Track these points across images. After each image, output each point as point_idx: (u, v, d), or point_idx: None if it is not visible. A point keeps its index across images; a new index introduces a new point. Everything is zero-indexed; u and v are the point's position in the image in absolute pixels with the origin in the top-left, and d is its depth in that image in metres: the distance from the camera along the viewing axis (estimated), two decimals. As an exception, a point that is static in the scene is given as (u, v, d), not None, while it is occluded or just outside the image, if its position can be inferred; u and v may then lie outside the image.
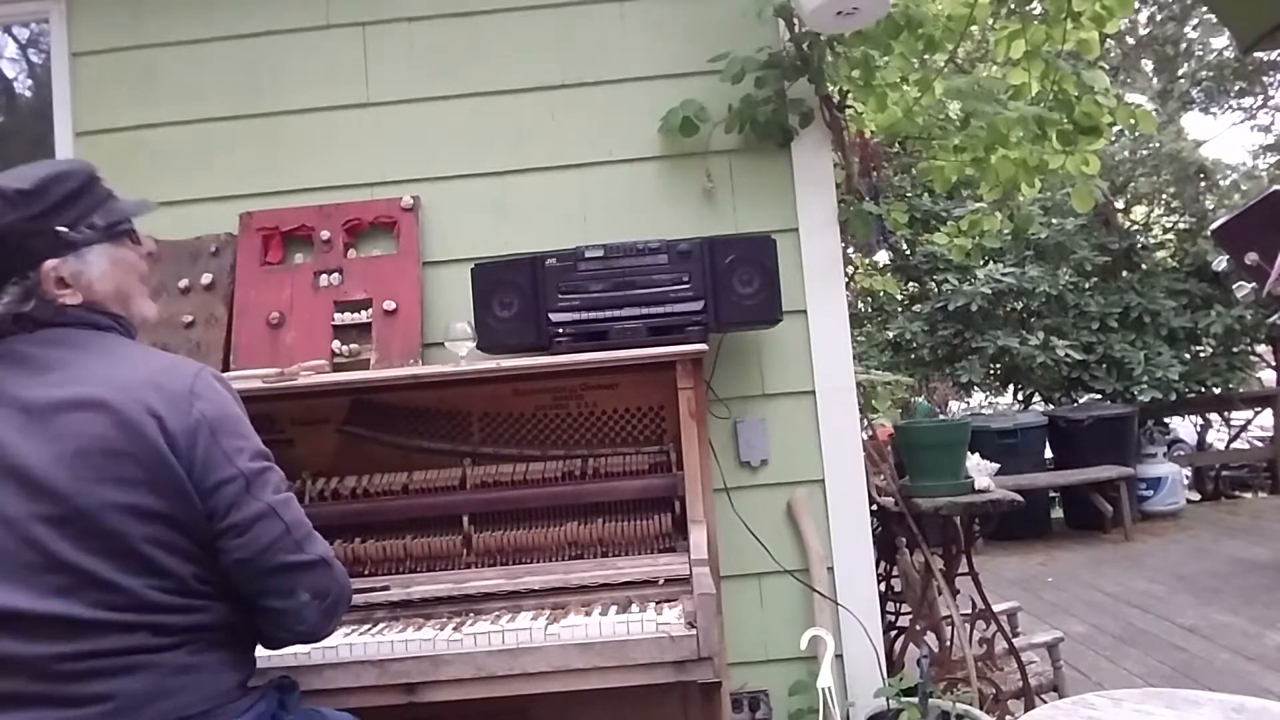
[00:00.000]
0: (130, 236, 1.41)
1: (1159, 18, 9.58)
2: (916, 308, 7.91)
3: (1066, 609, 4.63)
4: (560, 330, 2.22)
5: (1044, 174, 2.90)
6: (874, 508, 2.59)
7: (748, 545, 2.42)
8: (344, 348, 2.42)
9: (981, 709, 2.32)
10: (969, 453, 2.65)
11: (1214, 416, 8.56)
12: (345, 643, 1.76)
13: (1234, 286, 1.26)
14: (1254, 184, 9.14)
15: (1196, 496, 7.92)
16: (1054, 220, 7.68)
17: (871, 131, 3.20)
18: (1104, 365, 7.28)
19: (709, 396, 2.35)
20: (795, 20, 2.43)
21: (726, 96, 2.47)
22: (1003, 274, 7.29)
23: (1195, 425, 8.67)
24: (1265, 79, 9.78)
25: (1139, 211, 9.36)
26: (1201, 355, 7.61)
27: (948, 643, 2.64)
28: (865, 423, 2.83)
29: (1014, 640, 2.85)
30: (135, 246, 1.42)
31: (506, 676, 1.72)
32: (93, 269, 1.32)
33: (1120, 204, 8.74)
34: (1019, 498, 2.58)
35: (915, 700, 2.17)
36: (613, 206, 2.54)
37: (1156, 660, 3.75)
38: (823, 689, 2.08)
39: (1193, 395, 7.52)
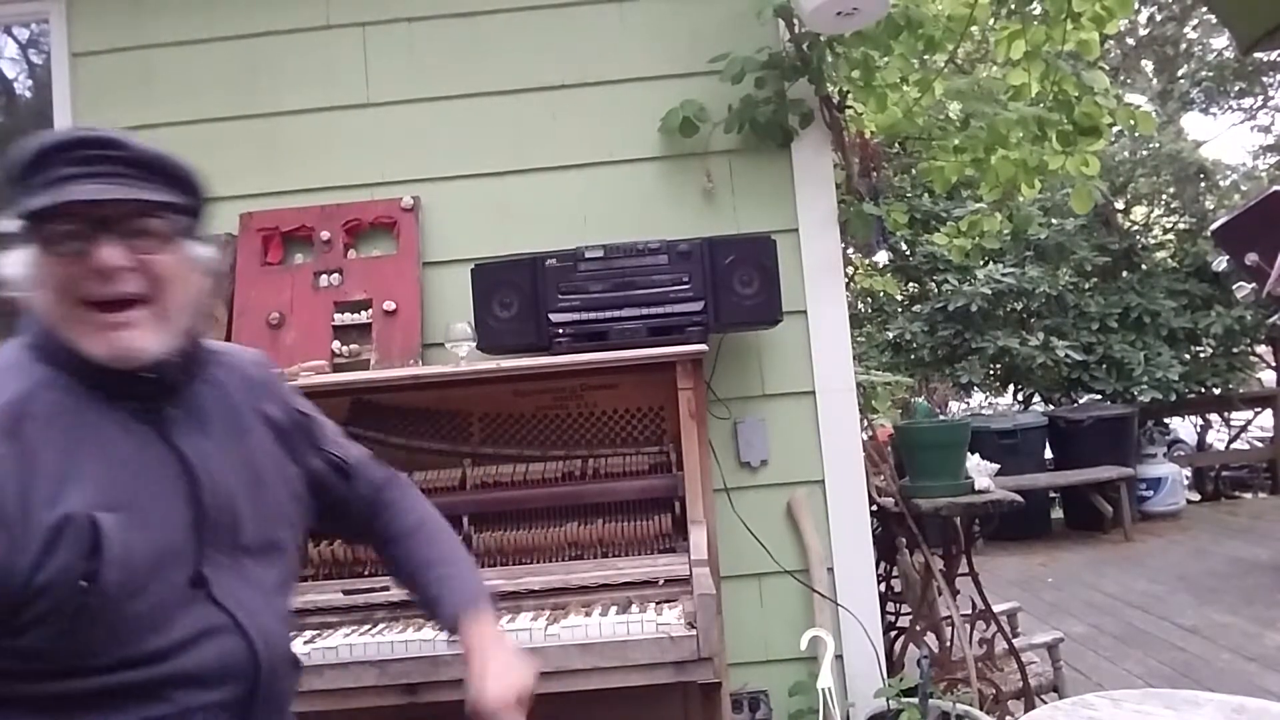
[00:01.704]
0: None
1: (1159, 18, 9.58)
2: (916, 308, 7.90)
3: (1066, 609, 4.63)
4: (560, 330, 2.22)
5: (1044, 175, 2.90)
6: (874, 508, 2.59)
7: (748, 545, 2.42)
8: (344, 348, 2.42)
9: (981, 709, 2.32)
10: (969, 453, 2.65)
11: (1214, 417, 8.55)
12: (345, 643, 1.76)
13: (1234, 287, 1.26)
14: (1254, 184, 9.14)
15: (1196, 497, 7.92)
16: (1054, 220, 7.68)
17: (871, 131, 3.21)
18: (1104, 365, 7.27)
19: (709, 396, 2.35)
20: (795, 20, 2.43)
21: (726, 96, 2.47)
22: (1003, 274, 7.29)
23: (1195, 425, 8.67)
24: (1265, 79, 9.78)
25: (1139, 212, 9.36)
26: (1201, 356, 7.61)
27: (948, 643, 2.64)
28: (865, 423, 2.83)
29: (1014, 640, 2.85)
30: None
31: (506, 677, 1.72)
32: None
33: (1120, 204, 8.74)
34: (1019, 498, 2.58)
35: (915, 700, 2.17)
36: (613, 207, 2.54)
37: (1156, 660, 3.74)
38: (823, 689, 2.08)
39: (1193, 395, 7.51)
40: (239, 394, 1.16)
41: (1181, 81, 9.68)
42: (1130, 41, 9.63)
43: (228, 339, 2.44)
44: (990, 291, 7.22)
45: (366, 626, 1.87)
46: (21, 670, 0.94)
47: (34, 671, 0.94)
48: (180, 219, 1.03)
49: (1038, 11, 2.75)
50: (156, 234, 1.01)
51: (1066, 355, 7.08)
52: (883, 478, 2.74)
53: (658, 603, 1.89)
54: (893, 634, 2.84)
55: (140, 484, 1.00)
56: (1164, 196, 9.10)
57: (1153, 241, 8.53)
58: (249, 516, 1.09)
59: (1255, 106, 10.19)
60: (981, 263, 7.08)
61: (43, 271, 0.98)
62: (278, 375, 1.28)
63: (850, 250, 4.66)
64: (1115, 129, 3.85)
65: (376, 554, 1.40)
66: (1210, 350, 7.59)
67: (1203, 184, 8.75)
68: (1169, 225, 9.01)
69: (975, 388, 8.32)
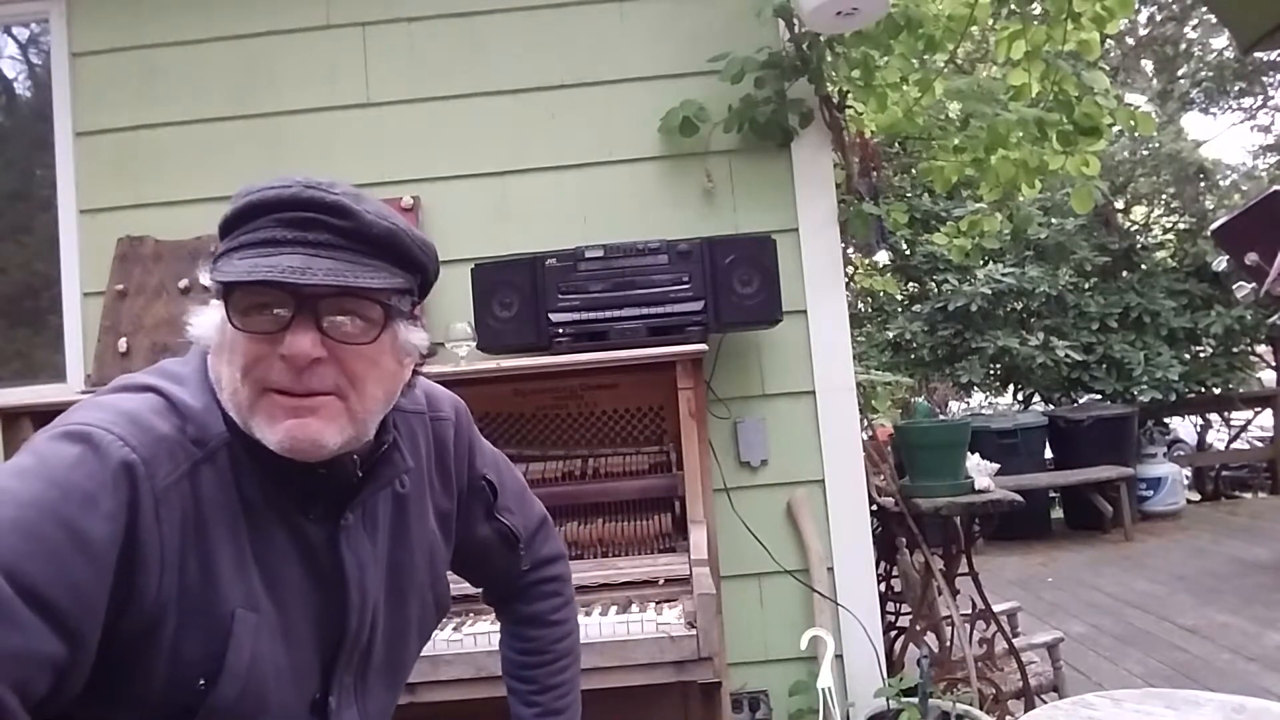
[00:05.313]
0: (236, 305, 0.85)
1: (1159, 18, 9.58)
2: (916, 308, 7.90)
3: (1066, 609, 4.63)
4: (560, 330, 2.22)
5: (1044, 175, 2.90)
6: (874, 508, 2.59)
7: (748, 545, 2.42)
8: (344, 348, 2.40)
9: (981, 709, 2.32)
10: (969, 453, 2.65)
11: (1214, 416, 8.55)
12: (345, 643, 1.75)
13: (1234, 286, 1.26)
14: (1254, 184, 9.14)
15: (1196, 496, 7.91)
16: (1054, 220, 7.68)
17: (871, 131, 3.21)
18: (1104, 365, 7.27)
19: (709, 396, 2.35)
20: (795, 20, 2.43)
21: (726, 96, 2.47)
22: (1003, 274, 7.29)
23: (1195, 425, 8.66)
24: (1265, 79, 9.77)
25: (1139, 211, 9.36)
26: (1201, 355, 7.61)
27: (948, 643, 2.64)
28: (865, 423, 2.83)
29: (1014, 640, 2.85)
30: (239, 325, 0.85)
31: (506, 676, 1.72)
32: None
33: (1120, 204, 8.73)
34: (1019, 498, 2.58)
35: (915, 700, 2.17)
36: (613, 206, 2.54)
37: (1156, 660, 3.74)
38: (823, 689, 2.07)
39: (1193, 395, 7.51)
40: (416, 467, 1.03)
41: (1181, 81, 9.67)
42: (1130, 41, 9.63)
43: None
44: (990, 291, 7.22)
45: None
46: None
47: None
48: (398, 301, 0.88)
49: (1038, 11, 2.75)
50: (366, 319, 0.86)
51: (1066, 355, 7.08)
52: (883, 477, 2.74)
53: (658, 602, 1.89)
54: (893, 634, 2.84)
55: (288, 591, 0.89)
56: (1164, 196, 9.10)
57: (1153, 241, 8.52)
58: (384, 636, 0.99)
59: (1255, 106, 10.19)
60: (981, 263, 7.09)
61: (228, 343, 0.85)
62: (467, 430, 1.15)
63: (850, 250, 4.67)
64: (1115, 129, 3.85)
65: (497, 616, 1.28)
66: (1210, 350, 7.58)
67: (1203, 184, 8.75)
68: (1169, 225, 9.01)
69: (975, 388, 8.32)
